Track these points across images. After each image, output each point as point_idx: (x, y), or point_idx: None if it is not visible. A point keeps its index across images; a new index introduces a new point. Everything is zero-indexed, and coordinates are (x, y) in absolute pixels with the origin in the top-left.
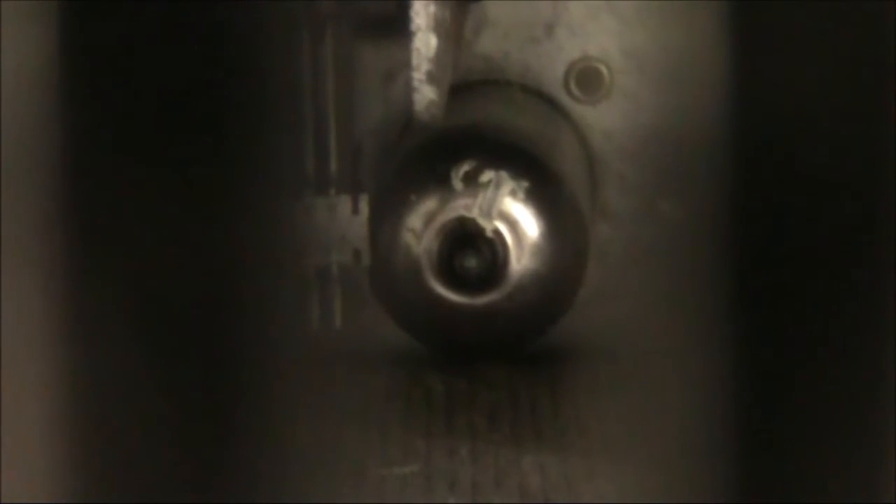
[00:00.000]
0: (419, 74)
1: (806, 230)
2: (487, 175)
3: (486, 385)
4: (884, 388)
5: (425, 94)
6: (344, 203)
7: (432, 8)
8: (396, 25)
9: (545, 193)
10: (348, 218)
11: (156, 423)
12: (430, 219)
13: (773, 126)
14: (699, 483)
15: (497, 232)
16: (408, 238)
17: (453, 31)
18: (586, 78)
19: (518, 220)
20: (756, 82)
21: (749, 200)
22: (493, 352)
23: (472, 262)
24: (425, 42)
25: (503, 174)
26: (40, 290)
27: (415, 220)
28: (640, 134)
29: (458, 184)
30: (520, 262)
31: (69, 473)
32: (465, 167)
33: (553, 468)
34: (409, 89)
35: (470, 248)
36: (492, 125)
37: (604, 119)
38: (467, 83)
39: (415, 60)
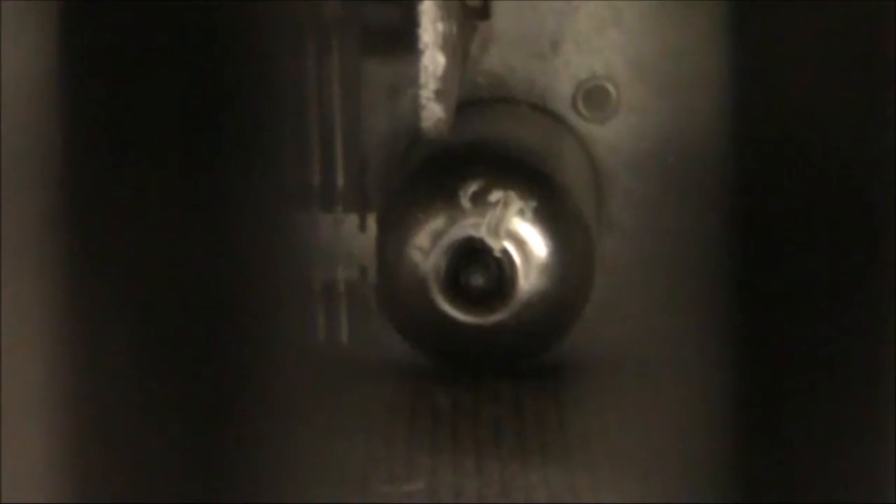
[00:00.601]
0: (427, 92)
1: (810, 243)
2: (496, 195)
3: (491, 399)
4: (884, 389)
5: (433, 112)
6: (351, 219)
7: (440, 26)
8: (403, 40)
9: (553, 212)
10: (355, 234)
11: (158, 435)
12: (437, 237)
13: (778, 141)
14: (703, 496)
15: (505, 251)
16: (415, 256)
17: (460, 47)
18: (594, 97)
19: (526, 240)
20: (762, 99)
21: (754, 214)
22: (499, 367)
23: (479, 281)
24: (433, 60)
25: (511, 194)
26: (41, 296)
27: (422, 238)
28: (646, 149)
29: (466, 203)
30: (527, 281)
31: (69, 474)
32: (474, 186)
33: (558, 482)
34: (416, 107)
35: (477, 266)
36: (499, 143)
37: (610, 135)
38: (474, 100)
39: (422, 78)
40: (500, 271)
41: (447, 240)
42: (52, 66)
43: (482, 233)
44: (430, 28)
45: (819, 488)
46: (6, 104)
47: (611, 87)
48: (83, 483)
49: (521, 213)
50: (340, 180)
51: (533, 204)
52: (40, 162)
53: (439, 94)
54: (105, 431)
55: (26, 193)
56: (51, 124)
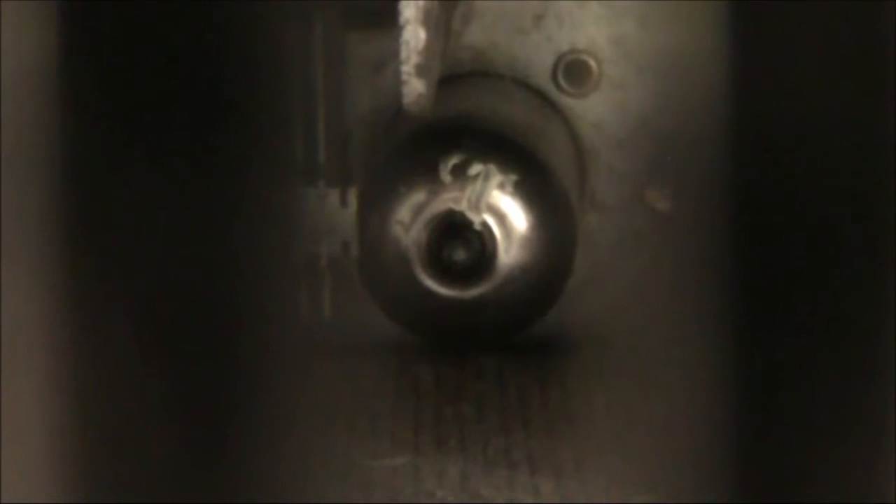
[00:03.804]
0: (408, 67)
1: (795, 217)
2: (476, 168)
3: (474, 375)
4: (884, 388)
5: (414, 87)
6: (333, 194)
7: (422, 1)
8: (385, 16)
9: (534, 186)
10: (337, 209)
11: (148, 417)
12: (418, 211)
13: (762, 115)
14: (686, 472)
15: (485, 225)
16: (396, 230)
17: (442, 22)
18: (574, 70)
19: (506, 213)
20: (744, 73)
21: (737, 189)
22: (482, 342)
23: (460, 255)
24: (414, 35)
25: (492, 167)
26: (39, 278)
27: (403, 211)
28: (628, 124)
29: (446, 176)
30: (508, 255)
31: (69, 472)
32: (454, 160)
33: (541, 457)
34: (398, 82)
35: (458, 240)
36: (480, 117)
37: (592, 110)
38: (456, 74)
39: (404, 53)
40: (481, 245)
41: (428, 213)
42: (52, 62)
43: (463, 206)
44: (412, 3)
45: (819, 488)
46: (6, 102)
47: (592, 62)
48: (83, 479)
49: (502, 186)
50: (323, 155)
51: (513, 177)
52: (40, 150)
53: (421, 70)
54: (103, 421)
55: (26, 188)
56: (49, 115)
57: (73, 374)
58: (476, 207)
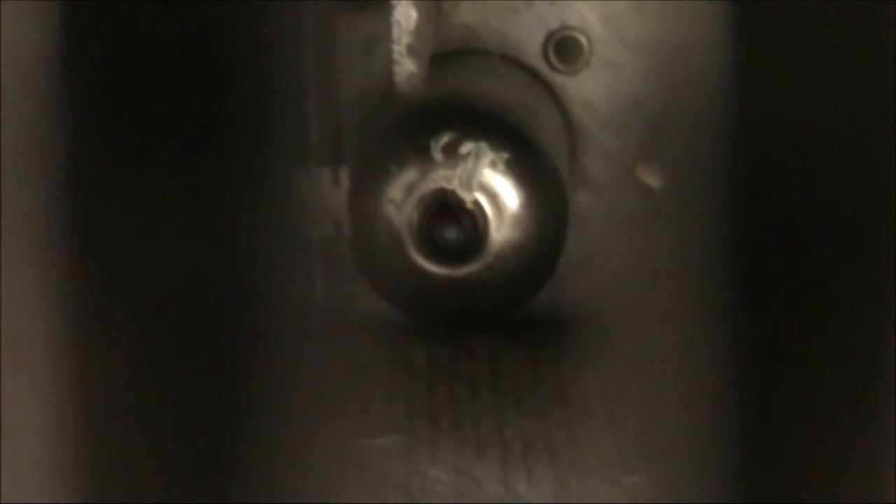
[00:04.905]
0: (399, 47)
1: (788, 196)
2: (467, 146)
3: (467, 354)
4: (884, 388)
5: (406, 67)
6: (324, 174)
7: None
8: None
9: (525, 164)
10: (329, 189)
11: (145, 409)
12: (410, 190)
13: (753, 93)
14: (679, 452)
15: (477, 203)
16: (388, 209)
17: (433, 2)
18: (565, 48)
19: (498, 192)
20: (736, 51)
21: (729, 167)
22: (475, 321)
23: (452, 233)
24: (405, 14)
25: (483, 145)
26: (39, 273)
27: (395, 191)
28: (620, 103)
29: (438, 155)
30: (500, 233)
31: (69, 470)
32: (445, 138)
33: (534, 437)
34: (389, 62)
35: (450, 219)
36: (471, 96)
37: (583, 88)
38: (446, 53)
39: (395, 33)
40: (473, 223)
41: (419, 192)
42: (52, 61)
43: (454, 185)
44: None
45: (819, 488)
46: (6, 102)
47: (583, 39)
48: (82, 476)
49: (493, 164)
50: (314, 135)
51: (505, 156)
52: (41, 145)
53: (412, 49)
54: (102, 415)
55: (27, 182)
56: (49, 113)
57: (74, 365)
58: (467, 186)
